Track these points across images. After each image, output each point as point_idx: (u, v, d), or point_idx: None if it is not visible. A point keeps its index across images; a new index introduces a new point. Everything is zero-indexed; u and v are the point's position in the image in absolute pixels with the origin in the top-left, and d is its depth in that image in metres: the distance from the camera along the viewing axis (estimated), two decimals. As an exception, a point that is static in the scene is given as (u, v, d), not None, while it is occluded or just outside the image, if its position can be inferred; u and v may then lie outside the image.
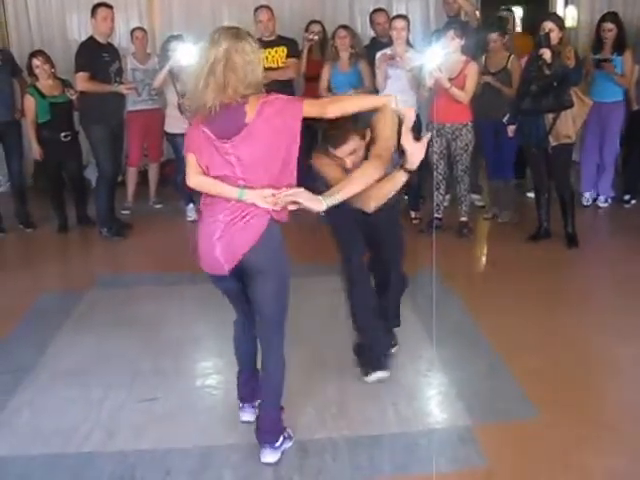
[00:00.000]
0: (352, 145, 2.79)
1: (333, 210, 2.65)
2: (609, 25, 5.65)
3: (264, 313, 2.61)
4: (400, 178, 2.75)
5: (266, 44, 5.51)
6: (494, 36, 5.55)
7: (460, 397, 3.07)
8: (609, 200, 6.04)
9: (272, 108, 2.44)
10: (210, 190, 2.55)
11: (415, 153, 2.71)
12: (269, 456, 2.66)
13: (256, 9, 6.09)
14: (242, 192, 2.47)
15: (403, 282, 3.48)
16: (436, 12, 7.46)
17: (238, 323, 2.87)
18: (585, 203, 6.00)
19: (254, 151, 2.44)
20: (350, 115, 2.62)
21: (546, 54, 4.59)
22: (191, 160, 2.56)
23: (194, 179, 2.57)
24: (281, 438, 2.70)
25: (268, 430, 2.68)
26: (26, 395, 3.20)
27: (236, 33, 2.45)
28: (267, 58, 5.78)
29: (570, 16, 7.35)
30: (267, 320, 2.62)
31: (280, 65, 5.83)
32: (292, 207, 2.52)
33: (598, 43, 5.75)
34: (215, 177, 2.51)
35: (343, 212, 2.81)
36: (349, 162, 2.82)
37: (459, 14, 6.16)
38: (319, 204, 2.56)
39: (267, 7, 6.09)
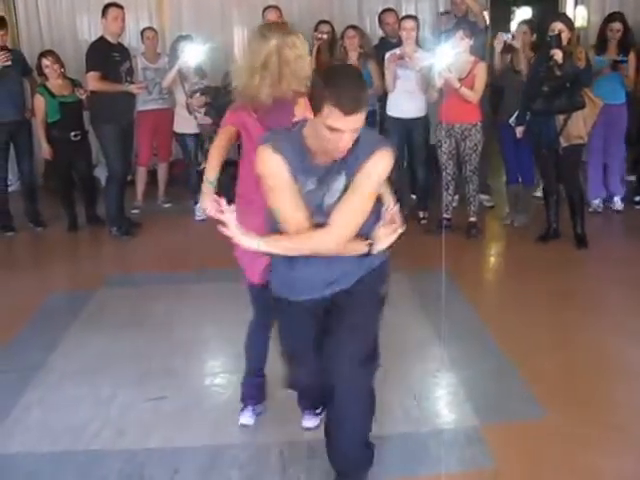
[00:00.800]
0: None
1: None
2: (617, 25, 5.57)
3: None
4: (360, 249, 2.27)
5: None
6: (524, 27, 5.46)
7: (468, 397, 3.07)
8: (623, 200, 5.89)
9: None
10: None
11: (382, 241, 2.30)
12: (310, 422, 2.78)
13: (265, 9, 6.10)
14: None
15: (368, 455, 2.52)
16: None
17: (258, 325, 2.84)
18: (597, 209, 5.82)
19: None
20: None
21: (557, 55, 4.57)
22: (228, 129, 2.61)
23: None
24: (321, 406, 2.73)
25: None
26: (36, 393, 3.22)
27: (285, 28, 2.47)
28: None
29: (580, 16, 7.31)
30: None
31: None
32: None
33: (602, 43, 5.64)
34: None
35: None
36: None
37: (467, 14, 6.14)
38: (250, 243, 2.23)
39: (276, 7, 6.09)
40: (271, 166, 2.17)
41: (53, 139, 5.73)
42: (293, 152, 2.16)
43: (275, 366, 2.73)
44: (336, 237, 2.18)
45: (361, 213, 2.19)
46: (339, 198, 2.19)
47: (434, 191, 5.87)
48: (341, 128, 2.03)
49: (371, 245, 2.26)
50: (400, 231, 2.30)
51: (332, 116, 2.01)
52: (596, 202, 5.86)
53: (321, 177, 2.19)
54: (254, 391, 2.91)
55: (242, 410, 2.93)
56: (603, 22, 5.81)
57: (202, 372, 3.50)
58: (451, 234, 5.20)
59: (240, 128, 2.61)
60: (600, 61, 5.51)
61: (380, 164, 2.16)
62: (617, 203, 5.89)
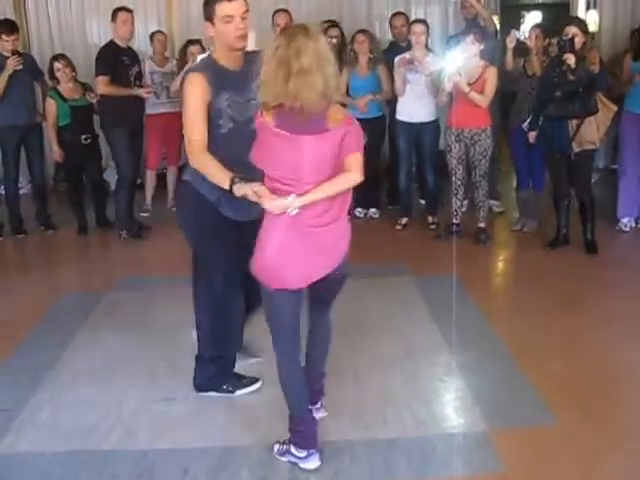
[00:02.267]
0: None
1: None
2: None
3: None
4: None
5: None
6: (536, 31, 5.40)
7: (477, 402, 3.07)
8: None
9: (351, 139, 2.43)
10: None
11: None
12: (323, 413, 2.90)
13: (274, 13, 6.12)
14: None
15: None
16: (455, 16, 7.45)
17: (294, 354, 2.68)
18: (624, 229, 5.45)
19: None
20: None
21: (570, 59, 4.54)
22: None
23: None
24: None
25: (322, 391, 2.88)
26: (47, 393, 3.24)
27: (310, 30, 2.49)
28: None
29: (592, 20, 7.29)
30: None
31: None
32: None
33: (639, 48, 5.39)
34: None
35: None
36: None
37: (477, 19, 6.15)
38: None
39: (285, 11, 6.12)
40: (197, 83, 2.73)
41: (64, 142, 5.77)
42: (213, 72, 2.76)
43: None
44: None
45: None
46: None
47: (443, 196, 5.86)
48: (231, 13, 2.71)
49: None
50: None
51: (221, 8, 2.72)
52: (625, 220, 5.49)
53: (239, 87, 2.75)
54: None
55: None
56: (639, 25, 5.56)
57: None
58: (460, 239, 5.20)
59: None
60: (636, 67, 5.32)
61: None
62: None
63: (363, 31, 6.01)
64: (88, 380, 3.36)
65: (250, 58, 2.76)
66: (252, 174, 2.49)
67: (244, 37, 2.75)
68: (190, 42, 6.13)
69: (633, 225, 5.50)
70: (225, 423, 2.98)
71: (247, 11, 2.72)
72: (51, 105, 5.69)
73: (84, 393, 3.23)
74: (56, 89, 5.73)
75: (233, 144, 2.71)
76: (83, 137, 5.73)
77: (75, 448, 2.81)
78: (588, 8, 7.82)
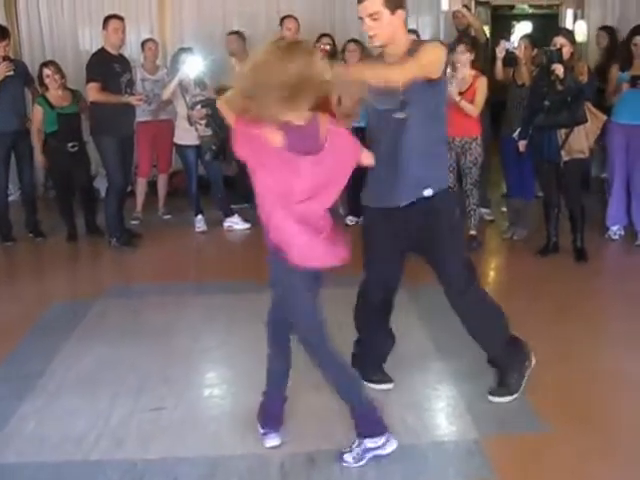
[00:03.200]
0: None
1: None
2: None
3: None
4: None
5: None
6: (525, 41, 5.48)
7: (469, 410, 3.06)
8: None
9: (341, 141, 2.49)
10: None
11: None
12: None
13: (283, 18, 6.21)
14: None
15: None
16: (446, 26, 7.51)
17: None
18: (612, 237, 5.49)
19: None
20: None
21: (559, 70, 4.59)
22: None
23: None
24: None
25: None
26: (35, 402, 3.21)
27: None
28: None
29: (579, 31, 7.37)
30: None
31: None
32: None
33: (627, 59, 5.36)
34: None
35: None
36: None
37: (468, 29, 6.19)
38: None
39: (293, 17, 6.21)
40: None
41: (50, 150, 5.75)
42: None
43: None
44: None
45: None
46: None
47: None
48: (360, 15, 2.76)
49: None
50: None
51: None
52: (614, 228, 5.51)
53: None
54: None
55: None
56: (627, 36, 5.56)
57: (201, 383, 3.49)
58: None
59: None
60: (623, 77, 5.32)
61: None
62: None
63: (354, 40, 6.03)
64: (77, 389, 3.32)
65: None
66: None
67: (373, 37, 2.80)
68: (182, 50, 6.13)
69: (622, 233, 5.53)
70: (215, 433, 2.95)
71: (378, 12, 2.72)
72: (38, 112, 5.68)
73: (72, 402, 3.20)
74: (45, 96, 5.71)
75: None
76: (70, 144, 5.71)
77: (63, 458, 2.78)
78: (576, 19, 7.91)
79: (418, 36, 5.58)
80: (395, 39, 2.77)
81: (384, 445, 2.67)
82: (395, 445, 2.69)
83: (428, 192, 2.87)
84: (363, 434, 2.67)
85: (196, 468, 2.70)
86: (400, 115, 2.79)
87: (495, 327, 3.17)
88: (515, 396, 3.10)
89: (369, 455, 2.67)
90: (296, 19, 6.19)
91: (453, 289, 3.02)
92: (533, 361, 3.19)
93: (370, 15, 2.71)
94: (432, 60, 2.72)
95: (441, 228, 2.94)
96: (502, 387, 3.14)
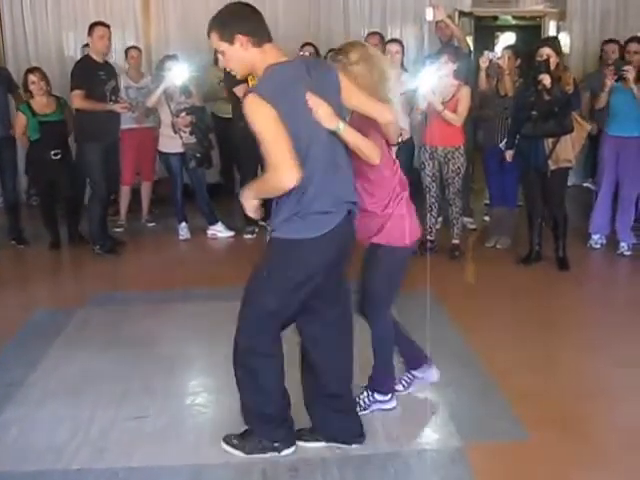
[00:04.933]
0: None
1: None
2: (635, 46, 5.36)
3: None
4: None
5: None
6: (508, 52, 5.52)
7: (452, 418, 3.07)
8: (630, 246, 5.38)
9: None
10: None
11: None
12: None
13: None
14: None
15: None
16: (430, 36, 7.56)
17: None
18: (594, 245, 5.53)
19: None
20: None
21: (546, 80, 4.65)
22: None
23: None
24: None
25: None
26: (16, 411, 3.18)
27: None
28: (254, 77, 5.82)
29: (562, 43, 7.46)
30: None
31: None
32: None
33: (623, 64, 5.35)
34: None
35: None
36: None
37: (452, 39, 6.25)
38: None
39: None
40: None
41: (33, 158, 5.72)
42: None
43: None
44: None
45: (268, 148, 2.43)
46: None
47: (417, 213, 5.88)
48: None
49: None
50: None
51: None
52: (596, 237, 5.55)
53: None
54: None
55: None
56: (623, 45, 5.62)
57: (184, 391, 3.47)
58: (434, 256, 5.22)
59: None
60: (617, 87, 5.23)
61: (245, 109, 2.42)
62: (623, 248, 5.38)
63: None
64: (59, 398, 3.30)
65: None
66: None
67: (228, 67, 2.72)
68: (167, 57, 6.13)
69: (603, 242, 5.58)
70: (197, 441, 2.95)
71: (219, 48, 2.59)
72: (20, 119, 5.66)
73: (54, 411, 3.18)
74: (28, 103, 5.68)
75: None
76: (53, 152, 5.67)
77: (44, 467, 2.76)
78: (559, 31, 8.01)
79: (402, 47, 5.60)
80: (255, 68, 2.54)
81: (389, 401, 3.11)
82: (395, 403, 3.12)
83: None
84: (374, 387, 3.09)
85: (178, 477, 2.69)
86: None
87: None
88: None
89: (375, 407, 3.09)
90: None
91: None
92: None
93: (219, 52, 2.58)
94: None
95: None
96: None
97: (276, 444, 2.77)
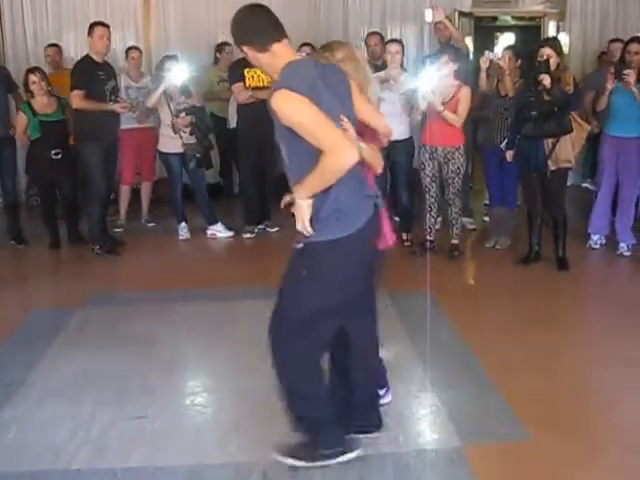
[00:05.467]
0: None
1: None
2: (635, 46, 5.31)
3: None
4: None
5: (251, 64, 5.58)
6: (508, 53, 5.51)
7: (451, 418, 3.07)
8: (630, 247, 5.38)
9: None
10: None
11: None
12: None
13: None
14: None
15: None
16: (430, 37, 7.57)
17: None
18: (593, 246, 5.53)
19: None
20: None
21: (546, 80, 4.65)
22: None
23: None
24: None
25: None
26: (15, 411, 3.18)
27: None
28: (252, 77, 5.83)
29: (562, 43, 7.46)
30: None
31: (266, 85, 5.62)
32: None
33: (623, 68, 5.29)
34: None
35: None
36: None
37: (450, 40, 6.25)
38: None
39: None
40: None
41: (33, 157, 5.72)
42: None
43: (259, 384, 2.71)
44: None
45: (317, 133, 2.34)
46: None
47: (417, 214, 5.90)
48: None
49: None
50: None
51: None
52: (595, 238, 5.55)
53: None
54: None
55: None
56: (624, 46, 5.60)
57: (183, 391, 3.46)
58: (434, 256, 5.24)
59: None
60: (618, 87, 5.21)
61: (274, 105, 2.34)
62: (622, 248, 5.39)
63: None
64: (57, 398, 3.30)
65: None
66: None
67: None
68: (167, 57, 6.13)
69: (603, 242, 5.58)
70: (196, 441, 2.94)
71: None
72: (21, 118, 5.66)
73: (53, 411, 3.18)
74: (29, 103, 5.68)
75: None
76: (53, 152, 5.67)
77: (43, 468, 2.75)
78: (558, 31, 8.03)
79: (402, 47, 5.60)
80: (273, 70, 2.51)
81: (384, 395, 3.12)
82: (390, 399, 3.12)
83: None
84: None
85: (177, 477, 2.69)
86: None
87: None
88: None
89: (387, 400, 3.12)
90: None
91: None
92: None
93: None
94: None
95: None
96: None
97: (327, 451, 2.70)
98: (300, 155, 2.42)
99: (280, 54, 2.47)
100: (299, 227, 2.46)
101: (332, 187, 2.39)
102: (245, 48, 2.49)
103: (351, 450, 2.74)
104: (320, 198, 2.42)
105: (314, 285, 2.50)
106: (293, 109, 2.32)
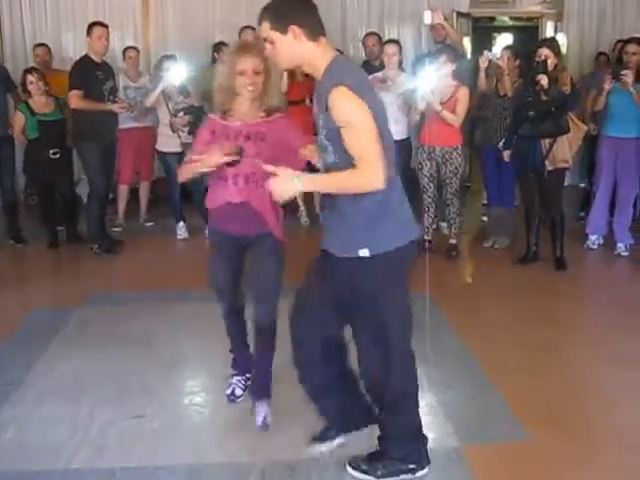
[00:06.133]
0: None
1: None
2: (633, 47, 5.32)
3: None
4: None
5: None
6: (507, 53, 5.52)
7: (449, 418, 3.08)
8: (628, 247, 5.40)
9: None
10: None
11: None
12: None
13: (241, 30, 6.19)
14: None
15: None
16: (427, 37, 7.58)
17: None
18: (591, 246, 5.55)
19: None
20: None
21: (543, 80, 4.67)
22: None
23: None
24: None
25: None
26: (14, 411, 3.18)
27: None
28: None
29: (560, 44, 7.47)
30: None
31: None
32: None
33: (620, 69, 5.32)
34: None
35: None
36: None
37: (446, 39, 6.26)
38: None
39: (251, 28, 6.18)
40: None
41: (31, 156, 5.71)
42: None
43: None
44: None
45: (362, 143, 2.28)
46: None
47: (414, 213, 5.89)
48: None
49: None
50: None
51: None
52: (593, 238, 5.56)
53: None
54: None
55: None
56: (620, 47, 5.64)
57: (182, 391, 3.47)
58: (431, 256, 5.19)
59: None
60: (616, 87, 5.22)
61: (332, 101, 2.26)
62: (620, 248, 5.40)
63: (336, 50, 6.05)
64: (56, 397, 3.30)
65: None
66: None
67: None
68: (166, 57, 6.13)
69: (601, 242, 5.59)
70: (195, 440, 2.95)
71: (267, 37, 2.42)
72: (19, 118, 5.66)
73: (52, 410, 3.18)
74: (27, 103, 5.68)
75: None
76: (51, 152, 5.67)
77: (42, 467, 2.75)
78: (556, 31, 8.04)
79: (400, 47, 5.61)
80: (308, 62, 2.39)
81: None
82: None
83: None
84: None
85: (176, 476, 2.69)
86: None
87: None
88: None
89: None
90: (254, 30, 6.19)
91: None
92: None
93: (268, 42, 2.37)
94: None
95: None
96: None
97: (411, 465, 2.64)
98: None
99: (327, 47, 2.37)
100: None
101: (381, 192, 2.33)
102: (292, 29, 2.27)
103: (422, 467, 2.66)
104: (366, 202, 2.37)
105: (391, 303, 2.52)
106: (350, 107, 2.24)
